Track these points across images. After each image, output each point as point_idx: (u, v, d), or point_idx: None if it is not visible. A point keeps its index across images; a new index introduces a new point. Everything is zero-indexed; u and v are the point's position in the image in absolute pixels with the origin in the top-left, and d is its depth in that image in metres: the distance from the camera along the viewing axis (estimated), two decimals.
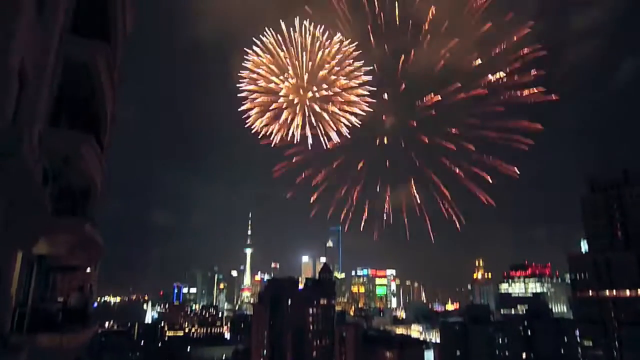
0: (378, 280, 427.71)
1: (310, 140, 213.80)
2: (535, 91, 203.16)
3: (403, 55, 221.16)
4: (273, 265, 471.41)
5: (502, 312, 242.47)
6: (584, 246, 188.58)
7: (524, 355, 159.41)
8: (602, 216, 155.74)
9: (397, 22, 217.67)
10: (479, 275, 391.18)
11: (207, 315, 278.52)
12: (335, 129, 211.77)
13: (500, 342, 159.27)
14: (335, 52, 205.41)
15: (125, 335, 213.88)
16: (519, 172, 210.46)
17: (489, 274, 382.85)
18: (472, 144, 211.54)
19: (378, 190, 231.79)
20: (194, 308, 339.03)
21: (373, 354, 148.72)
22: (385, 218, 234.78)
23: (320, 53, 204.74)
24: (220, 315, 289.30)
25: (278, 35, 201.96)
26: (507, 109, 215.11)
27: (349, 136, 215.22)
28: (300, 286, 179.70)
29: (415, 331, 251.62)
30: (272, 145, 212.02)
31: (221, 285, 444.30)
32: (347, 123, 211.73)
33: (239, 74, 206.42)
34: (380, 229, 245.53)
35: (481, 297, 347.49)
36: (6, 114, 9.53)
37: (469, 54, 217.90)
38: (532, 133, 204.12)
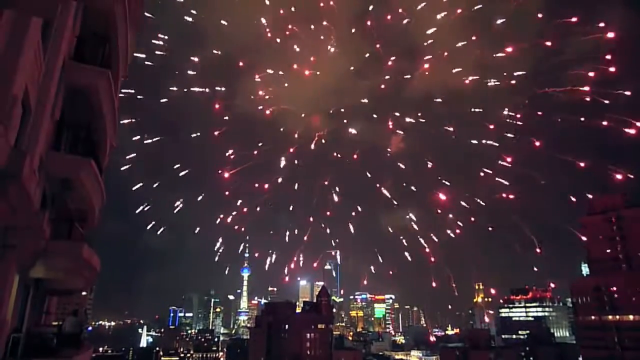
0: (377, 305, 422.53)
1: None
2: None
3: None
4: (270, 289, 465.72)
5: (503, 337, 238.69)
6: (585, 270, 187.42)
7: None
8: (603, 239, 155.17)
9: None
10: (479, 299, 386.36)
11: (203, 340, 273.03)
12: None
13: None
14: None
15: None
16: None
17: (489, 299, 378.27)
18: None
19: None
20: (189, 332, 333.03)
21: None
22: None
23: None
24: (216, 340, 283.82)
25: None
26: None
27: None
28: (298, 310, 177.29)
29: (415, 357, 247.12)
30: None
31: (217, 309, 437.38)
32: None
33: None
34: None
35: (481, 322, 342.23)
36: (9, 139, 9.72)
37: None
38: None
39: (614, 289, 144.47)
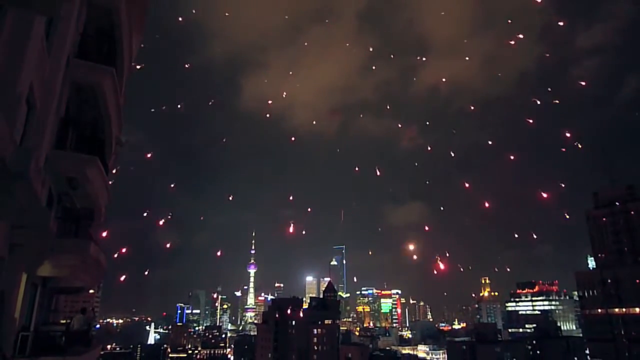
0: (384, 300, 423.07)
1: None
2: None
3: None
4: (277, 285, 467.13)
5: (509, 331, 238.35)
6: (591, 263, 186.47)
7: None
8: (609, 232, 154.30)
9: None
10: (485, 293, 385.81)
11: (210, 337, 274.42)
12: None
13: None
14: None
15: (128, 357, 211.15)
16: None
17: (496, 292, 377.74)
18: None
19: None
20: (197, 329, 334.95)
21: None
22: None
23: None
24: (223, 337, 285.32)
25: None
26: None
27: None
28: (305, 306, 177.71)
29: (422, 352, 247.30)
30: None
31: (224, 306, 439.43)
32: None
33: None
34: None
35: (488, 316, 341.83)
36: (14, 137, 9.69)
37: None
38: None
39: (620, 281, 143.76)
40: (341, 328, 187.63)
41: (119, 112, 18.72)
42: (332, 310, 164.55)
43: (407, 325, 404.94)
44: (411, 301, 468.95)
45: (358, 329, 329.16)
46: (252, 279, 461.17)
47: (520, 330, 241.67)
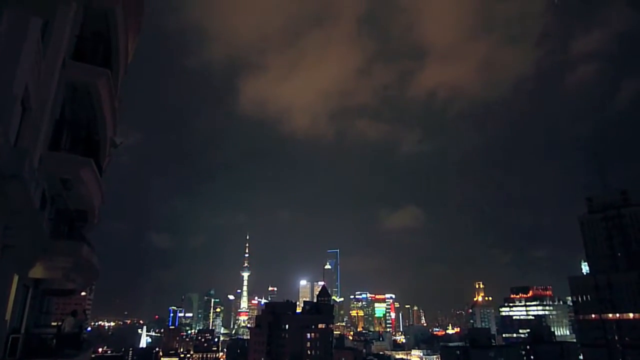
0: (377, 304, 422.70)
1: None
2: None
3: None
4: (270, 288, 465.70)
5: (503, 336, 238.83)
6: (585, 268, 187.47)
7: None
8: (602, 237, 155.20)
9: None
10: (479, 298, 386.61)
11: (203, 340, 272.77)
12: None
13: None
14: None
15: None
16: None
17: (490, 297, 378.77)
18: None
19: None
20: (189, 332, 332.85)
21: None
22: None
23: None
24: (216, 340, 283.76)
25: None
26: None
27: None
28: (298, 310, 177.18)
29: (416, 356, 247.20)
30: None
31: (217, 309, 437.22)
32: None
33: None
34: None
35: (482, 321, 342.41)
36: (9, 138, 9.68)
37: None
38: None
39: (614, 287, 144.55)
40: (335, 332, 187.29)
41: (114, 114, 18.70)
42: (326, 315, 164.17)
43: (401, 329, 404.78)
44: (406, 306, 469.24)
45: (352, 333, 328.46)
46: (245, 283, 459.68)
47: (514, 335, 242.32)
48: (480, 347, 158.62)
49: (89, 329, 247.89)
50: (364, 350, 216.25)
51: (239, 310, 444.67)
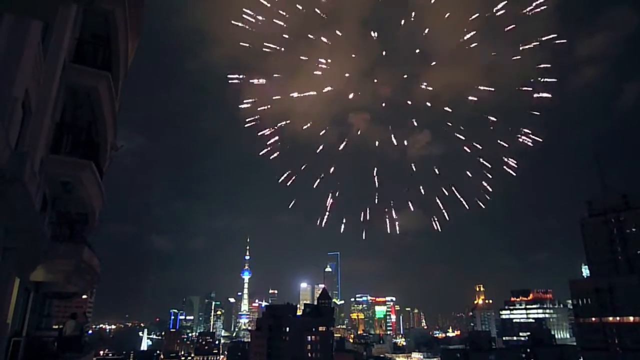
0: (378, 307, 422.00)
1: None
2: None
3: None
4: (271, 291, 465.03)
5: (504, 339, 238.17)
6: (585, 271, 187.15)
7: None
8: (603, 241, 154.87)
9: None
10: (480, 301, 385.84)
11: (203, 343, 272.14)
12: None
13: None
14: None
15: None
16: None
17: (490, 300, 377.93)
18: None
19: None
20: (190, 335, 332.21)
21: None
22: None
23: None
24: (217, 343, 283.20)
25: None
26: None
27: None
28: (299, 313, 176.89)
29: (416, 359, 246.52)
30: None
31: (218, 312, 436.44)
32: None
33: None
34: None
35: (482, 324, 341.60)
36: (10, 141, 9.69)
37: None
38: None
39: (614, 290, 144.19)
40: (335, 335, 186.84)
41: (115, 117, 18.72)
42: (326, 317, 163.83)
43: (402, 332, 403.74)
44: (406, 309, 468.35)
45: (352, 336, 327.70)
46: (246, 285, 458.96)
47: (515, 338, 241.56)
48: (480, 350, 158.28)
49: (90, 332, 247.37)
50: (365, 353, 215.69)
51: (240, 313, 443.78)
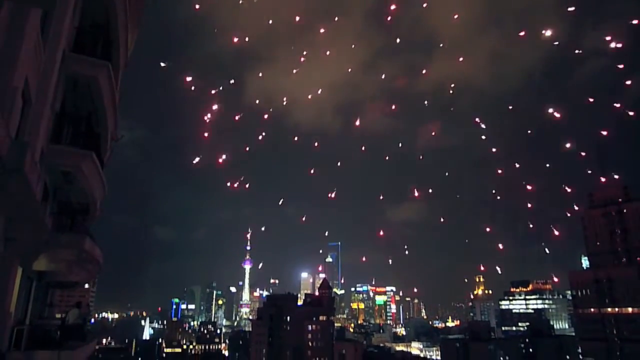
0: (378, 297, 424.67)
1: None
2: None
3: None
4: (272, 281, 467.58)
5: (503, 329, 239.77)
6: (585, 262, 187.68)
7: None
8: (603, 232, 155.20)
9: None
10: (479, 291, 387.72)
11: (205, 332, 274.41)
12: None
13: (502, 359, 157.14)
14: None
15: (123, 352, 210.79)
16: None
17: (490, 291, 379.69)
18: None
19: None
20: (192, 324, 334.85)
21: None
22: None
23: None
24: (218, 332, 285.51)
25: None
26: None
27: None
28: (300, 302, 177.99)
29: (416, 348, 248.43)
30: None
31: (220, 302, 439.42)
32: None
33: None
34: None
35: (482, 314, 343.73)
36: (10, 131, 9.67)
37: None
38: None
39: (614, 281, 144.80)
40: (336, 324, 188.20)
41: (115, 107, 18.65)
42: (327, 307, 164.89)
43: (402, 322, 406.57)
44: (406, 298, 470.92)
45: (352, 325, 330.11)
46: (247, 275, 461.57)
47: (514, 328, 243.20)
48: (479, 340, 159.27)
49: (93, 320, 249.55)
50: (365, 342, 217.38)
51: (241, 302, 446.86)
